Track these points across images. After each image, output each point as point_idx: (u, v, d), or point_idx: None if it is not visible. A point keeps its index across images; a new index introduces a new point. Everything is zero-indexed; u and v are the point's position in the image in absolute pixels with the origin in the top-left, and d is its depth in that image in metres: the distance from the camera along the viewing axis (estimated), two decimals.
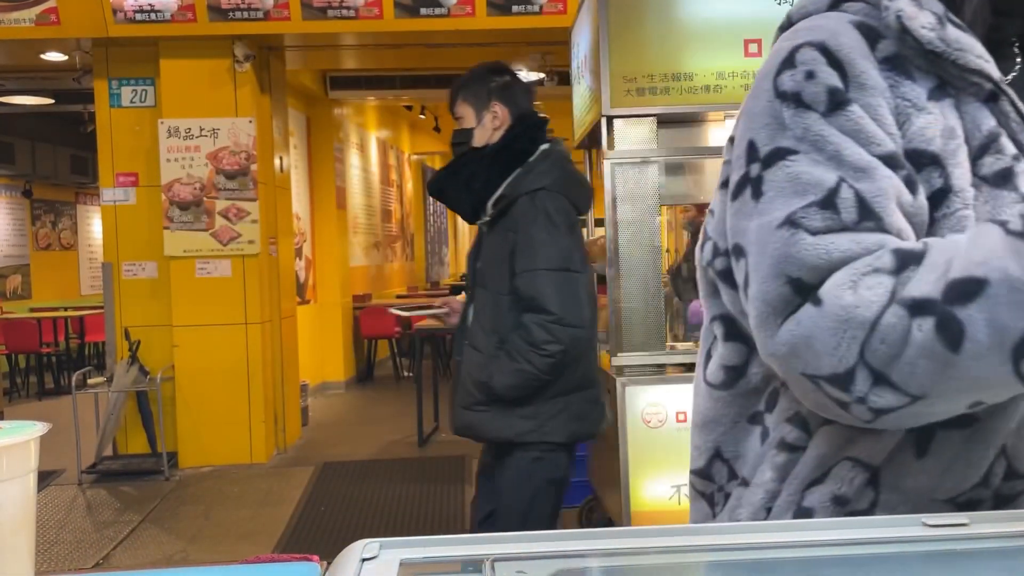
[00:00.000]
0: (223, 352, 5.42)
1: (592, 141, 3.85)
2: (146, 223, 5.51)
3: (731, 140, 0.85)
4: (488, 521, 2.27)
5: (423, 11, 5.15)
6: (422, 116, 10.06)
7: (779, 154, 0.76)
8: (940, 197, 0.76)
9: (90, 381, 5.29)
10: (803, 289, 0.72)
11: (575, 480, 4.20)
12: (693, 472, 0.91)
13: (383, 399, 7.77)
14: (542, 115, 2.35)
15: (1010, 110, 0.77)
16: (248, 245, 5.43)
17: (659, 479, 3.15)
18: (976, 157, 0.76)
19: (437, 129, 10.48)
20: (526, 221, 2.12)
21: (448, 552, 0.69)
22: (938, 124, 0.76)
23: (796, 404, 0.81)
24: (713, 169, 3.61)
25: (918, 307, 0.66)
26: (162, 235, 5.41)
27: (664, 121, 3.27)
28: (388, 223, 10.74)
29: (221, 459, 5.41)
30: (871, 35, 0.78)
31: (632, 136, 3.22)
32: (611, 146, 3.23)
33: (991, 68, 0.77)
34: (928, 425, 0.75)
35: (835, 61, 0.76)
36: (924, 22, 0.76)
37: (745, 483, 0.85)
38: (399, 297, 10.36)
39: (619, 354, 3.19)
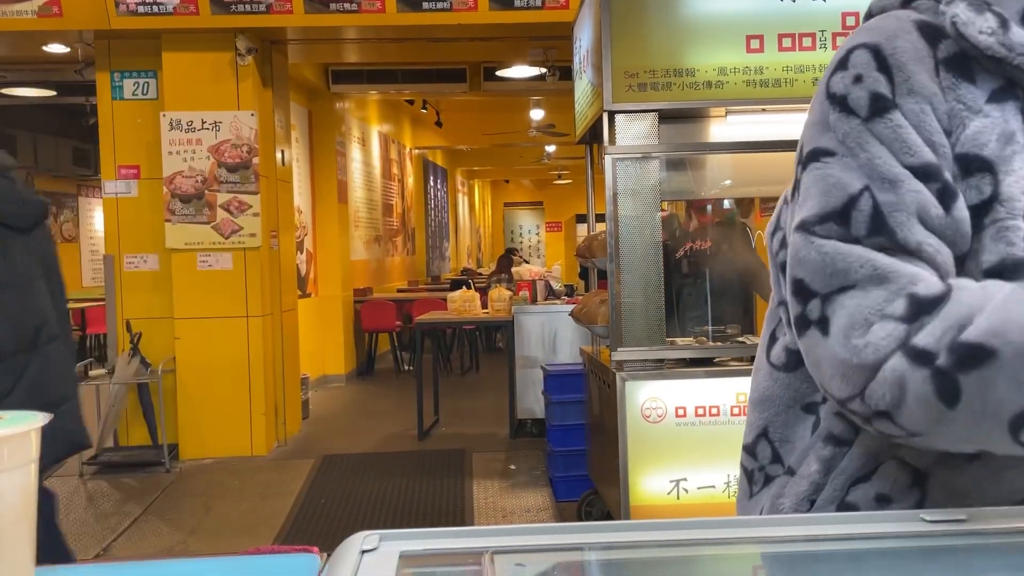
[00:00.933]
0: (224, 345, 5.43)
1: (594, 136, 3.85)
2: (148, 215, 5.51)
3: None
4: None
5: (425, 5, 5.14)
6: (424, 110, 10.05)
7: (815, 155, 0.78)
8: (988, 205, 0.73)
9: (91, 373, 5.29)
10: (807, 294, 0.74)
11: (575, 475, 4.22)
12: (744, 447, 0.93)
13: (383, 393, 7.78)
14: None
15: None
16: (249, 238, 5.44)
17: (658, 474, 3.16)
18: None
19: (439, 123, 10.47)
20: None
21: (448, 544, 0.69)
22: (995, 129, 0.74)
23: None
24: (713, 165, 3.60)
25: (921, 358, 0.67)
26: (164, 228, 5.42)
27: (665, 117, 3.27)
28: (389, 217, 10.74)
29: (222, 451, 5.43)
30: (933, 35, 0.76)
31: (633, 131, 3.22)
32: (612, 141, 3.23)
33: None
34: None
35: (885, 65, 0.76)
36: (982, 27, 0.74)
37: (791, 472, 0.86)
38: (400, 291, 10.37)
39: (619, 349, 3.19)
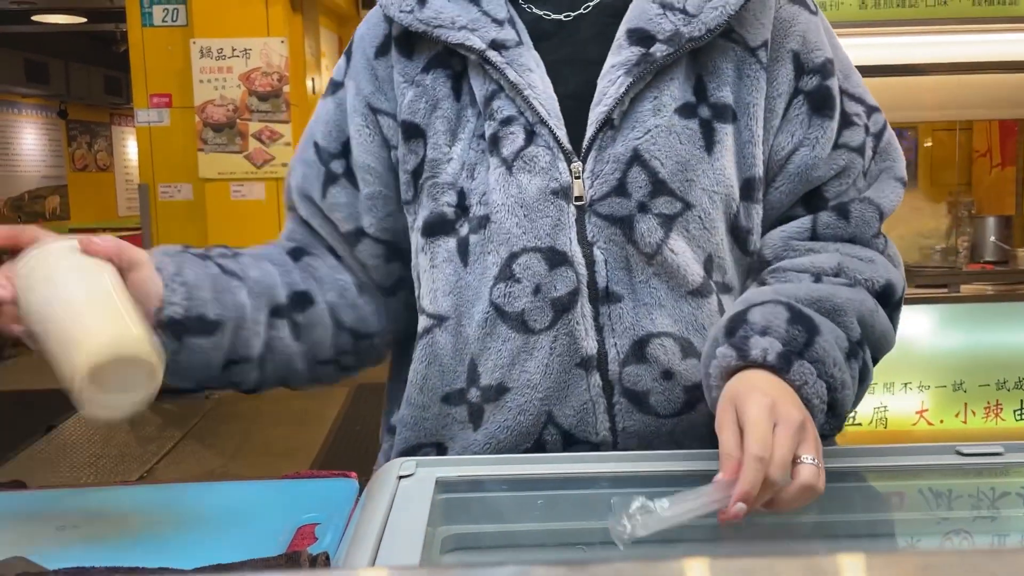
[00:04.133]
0: None
1: None
2: (180, 145, 5.53)
3: None
4: None
5: None
6: None
7: None
8: (421, 167, 0.83)
9: None
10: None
11: None
12: None
13: None
14: None
15: (500, 75, 0.79)
16: (282, 168, 5.44)
17: None
18: (481, 120, 0.80)
19: None
20: None
21: (482, 471, 0.70)
22: (423, 97, 0.82)
23: None
24: None
25: None
26: (196, 157, 5.44)
27: None
28: None
29: None
30: (389, 18, 0.86)
31: None
32: None
33: (473, 39, 0.79)
34: None
35: (348, 51, 0.92)
36: (402, 6, 0.83)
37: None
38: None
39: None
